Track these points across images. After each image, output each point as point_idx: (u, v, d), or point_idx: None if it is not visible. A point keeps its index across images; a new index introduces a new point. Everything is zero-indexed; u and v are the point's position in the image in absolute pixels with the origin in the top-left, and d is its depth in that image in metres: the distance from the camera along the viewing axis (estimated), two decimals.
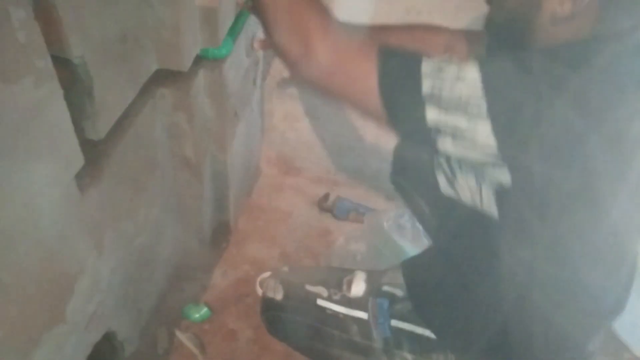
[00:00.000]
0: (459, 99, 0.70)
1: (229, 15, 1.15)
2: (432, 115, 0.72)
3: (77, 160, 0.82)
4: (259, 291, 1.41)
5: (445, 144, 0.74)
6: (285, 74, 1.70)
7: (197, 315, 1.33)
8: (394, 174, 1.43)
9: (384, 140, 1.71)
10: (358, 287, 1.04)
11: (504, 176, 0.75)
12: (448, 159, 0.87)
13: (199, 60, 1.12)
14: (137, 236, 1.11)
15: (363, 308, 1.00)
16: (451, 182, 0.89)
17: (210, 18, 1.05)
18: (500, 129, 0.69)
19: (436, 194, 0.96)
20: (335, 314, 1.02)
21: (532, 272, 0.83)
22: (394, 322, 0.99)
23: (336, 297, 1.04)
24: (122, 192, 1.00)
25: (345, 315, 1.01)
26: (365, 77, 0.75)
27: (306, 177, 1.83)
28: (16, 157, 0.68)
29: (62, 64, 0.78)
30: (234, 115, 1.35)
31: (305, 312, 1.04)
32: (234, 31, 1.16)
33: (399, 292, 1.02)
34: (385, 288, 1.03)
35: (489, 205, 0.83)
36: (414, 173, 1.30)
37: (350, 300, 1.03)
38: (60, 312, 0.87)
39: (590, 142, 0.70)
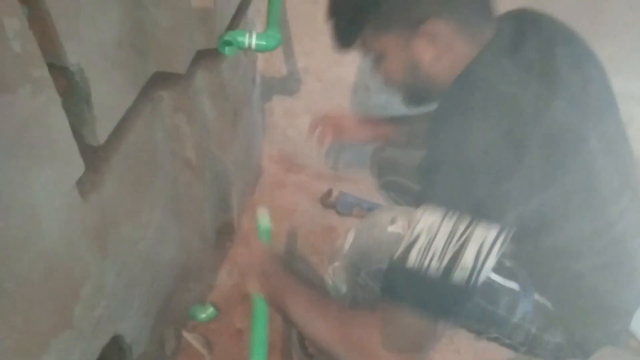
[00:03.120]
0: (447, 249, 0.76)
1: (226, 15, 1.14)
2: (459, 276, 0.76)
3: (78, 167, 0.82)
4: None
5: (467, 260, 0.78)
6: (284, 71, 1.70)
7: (203, 315, 1.34)
8: (381, 184, 1.43)
9: None
10: None
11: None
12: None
13: (197, 61, 1.12)
14: (140, 239, 1.11)
15: (515, 278, 0.95)
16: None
17: (206, 19, 1.04)
18: (486, 218, 0.75)
19: None
20: (491, 282, 0.96)
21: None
22: (537, 296, 0.97)
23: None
24: (124, 196, 1.01)
25: (501, 286, 0.95)
26: None
27: (308, 174, 1.83)
28: (16, 167, 0.68)
29: (59, 72, 0.79)
30: (234, 115, 1.35)
31: None
32: (276, 20, 1.15)
33: None
34: None
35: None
36: (399, 181, 1.30)
37: (506, 269, 0.97)
38: (66, 318, 0.87)
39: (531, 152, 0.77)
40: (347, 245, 1.01)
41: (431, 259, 0.76)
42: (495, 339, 1.01)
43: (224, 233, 1.54)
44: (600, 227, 0.89)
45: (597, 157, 0.85)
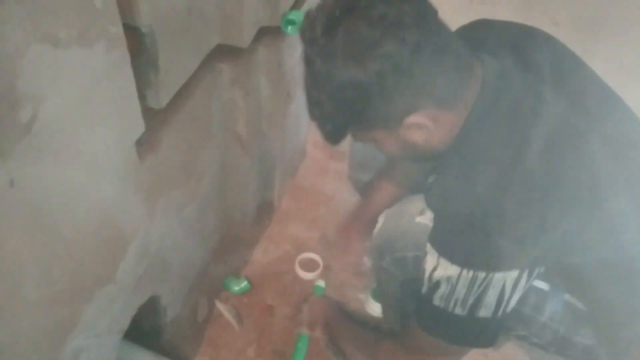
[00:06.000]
0: (469, 296, 0.80)
1: None
2: (484, 313, 0.82)
3: (139, 126, 0.85)
4: (298, 270, 1.43)
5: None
6: None
7: (237, 288, 1.36)
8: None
9: None
10: None
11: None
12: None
13: (259, 37, 1.13)
14: (186, 206, 1.14)
15: (545, 278, 0.94)
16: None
17: None
18: (502, 268, 0.79)
19: None
20: None
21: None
22: (568, 297, 0.97)
23: None
24: (177, 162, 1.03)
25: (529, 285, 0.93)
26: None
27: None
28: (85, 118, 0.71)
29: (130, 33, 0.81)
30: (287, 95, 1.36)
31: None
32: None
33: None
34: None
35: None
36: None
37: None
38: (112, 272, 0.90)
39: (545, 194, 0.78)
40: (376, 230, 1.03)
41: (455, 304, 0.81)
42: (523, 337, 1.00)
43: (264, 211, 1.56)
44: (617, 244, 0.87)
45: (606, 176, 0.83)
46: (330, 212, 1.65)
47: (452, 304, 0.82)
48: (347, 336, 1.15)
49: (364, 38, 0.74)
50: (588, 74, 0.90)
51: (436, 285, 0.82)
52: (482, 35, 0.90)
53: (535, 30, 0.91)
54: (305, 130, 1.78)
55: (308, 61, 0.79)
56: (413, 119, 0.78)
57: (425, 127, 0.79)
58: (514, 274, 0.80)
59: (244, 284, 1.37)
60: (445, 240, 0.82)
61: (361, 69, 0.74)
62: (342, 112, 0.81)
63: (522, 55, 0.84)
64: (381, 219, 1.03)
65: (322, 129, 0.86)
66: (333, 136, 0.87)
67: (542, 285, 0.94)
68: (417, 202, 0.95)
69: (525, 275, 0.81)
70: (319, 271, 1.43)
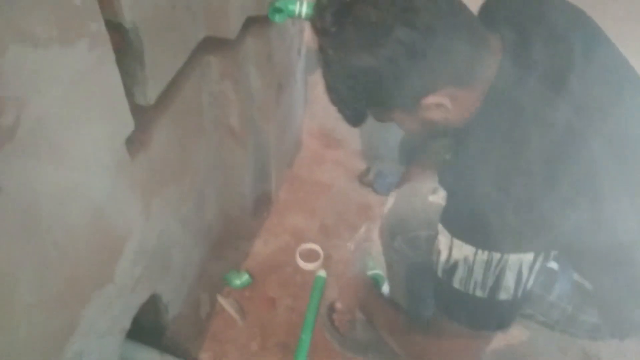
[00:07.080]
0: (487, 277, 0.79)
1: None
2: (504, 294, 0.81)
3: (128, 124, 0.84)
4: (299, 261, 1.42)
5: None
6: None
7: (238, 282, 1.36)
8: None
9: None
10: None
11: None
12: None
13: (247, 27, 1.11)
14: (182, 202, 1.13)
15: (556, 258, 0.92)
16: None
17: None
18: (516, 250, 0.78)
19: None
20: None
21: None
22: (576, 276, 0.95)
23: None
24: (169, 159, 1.02)
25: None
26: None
27: (347, 151, 1.82)
28: (71, 119, 0.69)
29: (115, 30, 0.79)
30: (279, 85, 1.34)
31: None
32: None
33: None
34: None
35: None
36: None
37: None
38: (109, 272, 0.89)
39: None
40: (386, 209, 1.02)
41: (474, 287, 0.81)
42: (529, 316, 0.99)
43: (262, 203, 1.55)
44: (619, 233, 0.86)
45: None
46: (328, 201, 1.64)
47: (472, 286, 0.81)
48: (379, 318, 1.15)
49: (374, 25, 0.74)
50: (615, 55, 0.88)
51: (454, 267, 0.81)
52: (509, 7, 0.88)
53: (569, 5, 0.89)
54: (300, 120, 1.77)
55: (321, 50, 0.80)
56: (431, 99, 0.79)
57: (443, 106, 0.80)
58: (529, 256, 0.79)
59: (245, 277, 1.36)
60: (459, 220, 0.81)
61: (373, 55, 0.75)
62: (358, 97, 0.82)
63: (549, 30, 0.82)
64: (391, 199, 1.03)
65: (342, 113, 0.88)
66: (353, 119, 0.89)
67: (552, 265, 0.93)
68: (429, 181, 0.95)
69: (540, 258, 0.80)
70: (319, 261, 1.43)
